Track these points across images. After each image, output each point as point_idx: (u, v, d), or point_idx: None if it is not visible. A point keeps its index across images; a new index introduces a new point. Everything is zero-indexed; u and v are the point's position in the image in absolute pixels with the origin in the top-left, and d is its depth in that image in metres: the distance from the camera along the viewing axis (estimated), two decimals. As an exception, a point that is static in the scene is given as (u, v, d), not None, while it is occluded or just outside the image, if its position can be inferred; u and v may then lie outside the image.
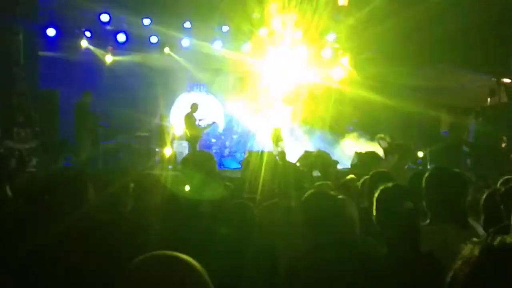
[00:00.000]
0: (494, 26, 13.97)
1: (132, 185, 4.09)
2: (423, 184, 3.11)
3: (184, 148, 15.41)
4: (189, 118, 14.42)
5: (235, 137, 16.96)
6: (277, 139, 14.74)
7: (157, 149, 15.03)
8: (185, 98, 18.48)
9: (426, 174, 3.24)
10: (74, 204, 3.30)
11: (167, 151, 14.04)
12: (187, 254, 1.69)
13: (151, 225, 3.90)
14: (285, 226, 4.11)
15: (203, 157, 3.72)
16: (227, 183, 5.10)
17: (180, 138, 16.10)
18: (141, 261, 1.65)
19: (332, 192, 3.37)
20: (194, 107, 14.86)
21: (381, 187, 2.84)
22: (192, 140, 14.36)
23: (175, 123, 17.20)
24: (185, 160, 4.07)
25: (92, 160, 12.57)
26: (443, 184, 2.95)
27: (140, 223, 3.70)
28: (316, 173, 13.33)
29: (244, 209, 3.86)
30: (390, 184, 2.87)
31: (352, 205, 2.84)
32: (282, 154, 14.11)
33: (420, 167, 12.81)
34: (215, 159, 4.31)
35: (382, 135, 14.16)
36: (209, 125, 15.68)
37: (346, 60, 18.16)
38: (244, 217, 3.75)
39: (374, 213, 2.83)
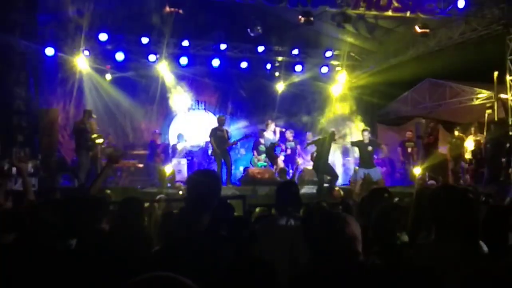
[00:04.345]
0: (489, 41, 14.06)
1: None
2: (429, 201, 3.11)
3: (182, 166, 15.41)
4: (215, 132, 14.22)
5: (232, 153, 16.97)
6: (272, 157, 14.86)
7: (155, 167, 15.04)
8: (184, 116, 18.55)
9: (432, 191, 3.25)
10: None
11: (167, 169, 14.02)
12: (184, 274, 1.69)
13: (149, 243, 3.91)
14: (284, 243, 4.11)
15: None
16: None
17: (178, 156, 16.09)
18: (139, 282, 1.64)
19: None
20: (221, 120, 14.74)
21: (378, 207, 2.84)
22: (217, 154, 14.16)
23: (174, 140, 17.24)
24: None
25: (91, 178, 12.53)
26: (450, 202, 2.95)
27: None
28: (311, 190, 13.37)
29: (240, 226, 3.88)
30: (386, 204, 2.87)
31: (353, 223, 2.84)
32: (283, 171, 14.16)
33: (420, 182, 12.81)
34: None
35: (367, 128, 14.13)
36: (240, 139, 15.63)
37: (343, 77, 18.29)
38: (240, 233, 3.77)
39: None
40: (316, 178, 13.55)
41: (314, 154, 13.76)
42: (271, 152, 15.07)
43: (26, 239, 3.54)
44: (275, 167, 14.92)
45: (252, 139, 16.25)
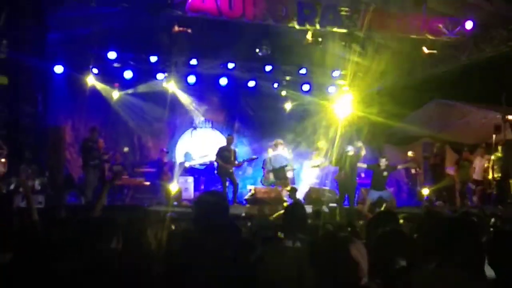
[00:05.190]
0: (497, 62, 14.07)
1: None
2: (433, 226, 3.09)
3: (189, 184, 15.38)
4: (222, 152, 14.30)
5: (240, 173, 16.94)
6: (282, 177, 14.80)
7: (161, 185, 15.02)
8: (190, 134, 18.59)
9: (436, 215, 3.24)
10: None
11: (173, 187, 13.99)
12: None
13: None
14: (291, 265, 4.08)
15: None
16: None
17: (178, 172, 16.02)
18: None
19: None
20: (229, 140, 14.81)
21: (379, 233, 2.83)
22: (222, 174, 14.24)
23: (180, 158, 17.24)
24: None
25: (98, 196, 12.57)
26: (454, 226, 2.93)
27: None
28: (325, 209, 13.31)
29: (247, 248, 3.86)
30: (387, 230, 2.86)
31: (359, 245, 2.82)
32: (293, 190, 14.06)
33: (426, 204, 12.76)
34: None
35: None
36: (247, 159, 15.67)
37: (350, 97, 18.28)
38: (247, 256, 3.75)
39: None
40: (324, 198, 13.59)
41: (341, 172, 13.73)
42: (283, 173, 15.01)
43: (24, 258, 3.53)
44: (285, 188, 14.79)
45: (260, 157, 16.25)
